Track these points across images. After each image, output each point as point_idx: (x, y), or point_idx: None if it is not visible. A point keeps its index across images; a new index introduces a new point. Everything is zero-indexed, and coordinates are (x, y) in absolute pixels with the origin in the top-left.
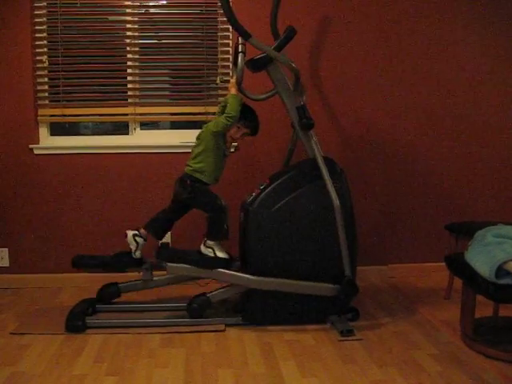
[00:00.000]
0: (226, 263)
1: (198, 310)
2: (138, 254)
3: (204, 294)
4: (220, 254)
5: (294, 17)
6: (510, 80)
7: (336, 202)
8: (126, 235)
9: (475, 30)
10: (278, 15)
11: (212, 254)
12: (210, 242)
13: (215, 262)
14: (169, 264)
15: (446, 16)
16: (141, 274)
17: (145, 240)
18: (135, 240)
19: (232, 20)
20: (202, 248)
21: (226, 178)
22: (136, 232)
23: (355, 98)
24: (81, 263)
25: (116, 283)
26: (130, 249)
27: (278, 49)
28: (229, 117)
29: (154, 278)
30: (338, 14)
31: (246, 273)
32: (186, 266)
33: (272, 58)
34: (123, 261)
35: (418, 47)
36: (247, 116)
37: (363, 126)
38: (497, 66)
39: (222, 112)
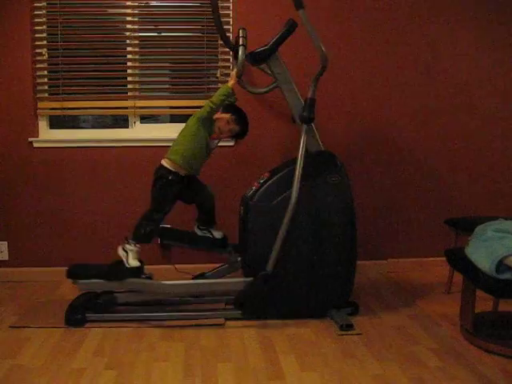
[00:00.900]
0: (135, 272)
1: (102, 306)
2: (218, 235)
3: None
4: (132, 263)
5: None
6: (509, 74)
7: (294, 198)
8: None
9: (473, 23)
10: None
11: (125, 259)
12: (128, 246)
13: (125, 273)
14: (79, 281)
15: (443, 8)
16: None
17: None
18: (124, 249)
19: None
20: (119, 249)
21: (226, 171)
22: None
23: (356, 92)
24: (77, 274)
25: (203, 273)
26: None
27: (279, 42)
28: (211, 101)
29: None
30: (337, 6)
31: (247, 265)
32: (96, 280)
33: (278, 45)
34: (207, 241)
35: (418, 41)
36: (240, 114)
37: (363, 120)
38: (498, 60)
39: None
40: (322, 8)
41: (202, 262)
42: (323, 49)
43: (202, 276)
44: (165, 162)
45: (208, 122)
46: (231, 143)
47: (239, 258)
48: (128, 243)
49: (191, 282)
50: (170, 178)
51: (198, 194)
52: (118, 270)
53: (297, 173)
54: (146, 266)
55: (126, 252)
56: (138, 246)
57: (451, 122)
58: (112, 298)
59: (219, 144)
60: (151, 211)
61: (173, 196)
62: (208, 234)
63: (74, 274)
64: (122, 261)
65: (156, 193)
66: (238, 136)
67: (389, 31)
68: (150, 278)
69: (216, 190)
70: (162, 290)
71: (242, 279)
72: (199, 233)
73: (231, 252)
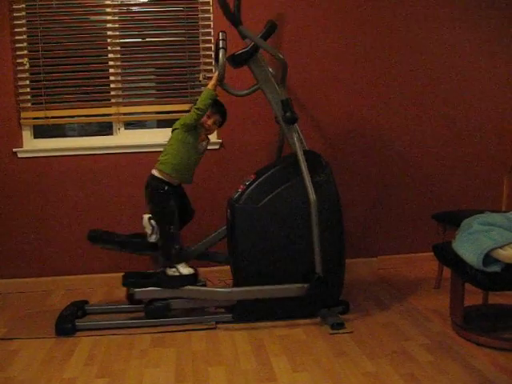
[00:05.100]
0: (192, 279)
1: (155, 312)
2: (153, 238)
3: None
4: (184, 271)
5: (275, 7)
6: (496, 69)
7: (312, 196)
8: (142, 218)
9: (461, 16)
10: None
11: (177, 273)
12: (171, 269)
13: (181, 280)
14: (136, 290)
15: (429, 4)
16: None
17: None
18: (150, 223)
19: (224, 7)
20: (167, 270)
21: (212, 174)
22: (151, 215)
23: (341, 90)
24: (97, 238)
25: None
26: (146, 232)
27: (260, 43)
28: (196, 108)
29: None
30: (319, 4)
31: (235, 269)
32: (154, 289)
33: (257, 47)
34: (138, 242)
35: (401, 37)
36: (213, 104)
37: (349, 118)
38: (483, 54)
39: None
40: (309, 9)
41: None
42: (280, 55)
43: None
44: (156, 172)
45: (192, 128)
46: (216, 146)
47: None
48: (169, 269)
49: (243, 289)
50: (165, 188)
51: (183, 207)
52: (175, 277)
53: (304, 172)
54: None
55: (175, 267)
56: (178, 266)
57: (437, 118)
58: (165, 306)
59: (208, 147)
60: (163, 227)
61: (174, 205)
62: (149, 230)
63: (131, 283)
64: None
65: (157, 208)
66: (222, 123)
67: (373, 30)
68: (204, 285)
69: (202, 193)
70: (216, 297)
71: (298, 285)
72: (145, 222)
73: (157, 257)
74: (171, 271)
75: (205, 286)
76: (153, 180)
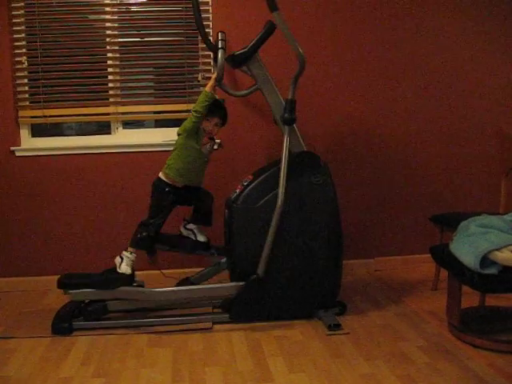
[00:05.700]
0: (127, 280)
1: (92, 314)
2: (202, 238)
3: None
4: (123, 268)
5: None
6: (495, 72)
7: (281, 200)
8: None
9: (459, 17)
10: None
11: (118, 264)
12: (125, 252)
13: (116, 281)
14: (70, 291)
15: (429, 4)
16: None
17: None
18: (187, 229)
19: None
20: (116, 258)
21: (212, 174)
22: (184, 222)
23: (340, 91)
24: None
25: (188, 277)
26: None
27: (258, 44)
28: (194, 111)
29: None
30: (318, 5)
31: (233, 269)
32: (88, 290)
33: (257, 48)
34: (189, 242)
35: (400, 38)
36: (212, 106)
37: (347, 120)
38: (483, 57)
39: None
40: (306, 5)
41: (190, 266)
42: (300, 50)
43: (186, 280)
44: (162, 175)
45: (193, 131)
46: (215, 146)
47: (222, 260)
48: (126, 250)
49: (182, 288)
50: (166, 189)
51: (195, 198)
52: (109, 279)
53: (282, 175)
54: (136, 273)
55: (122, 258)
56: (134, 254)
57: (435, 120)
58: (103, 306)
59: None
60: (149, 216)
61: (169, 203)
62: (191, 235)
63: (64, 284)
64: (114, 269)
65: (153, 201)
66: (224, 123)
67: (377, 32)
68: (141, 285)
69: None
70: (153, 297)
71: (233, 284)
72: (184, 232)
73: (214, 254)
74: (117, 260)
75: (142, 286)
76: (158, 181)
